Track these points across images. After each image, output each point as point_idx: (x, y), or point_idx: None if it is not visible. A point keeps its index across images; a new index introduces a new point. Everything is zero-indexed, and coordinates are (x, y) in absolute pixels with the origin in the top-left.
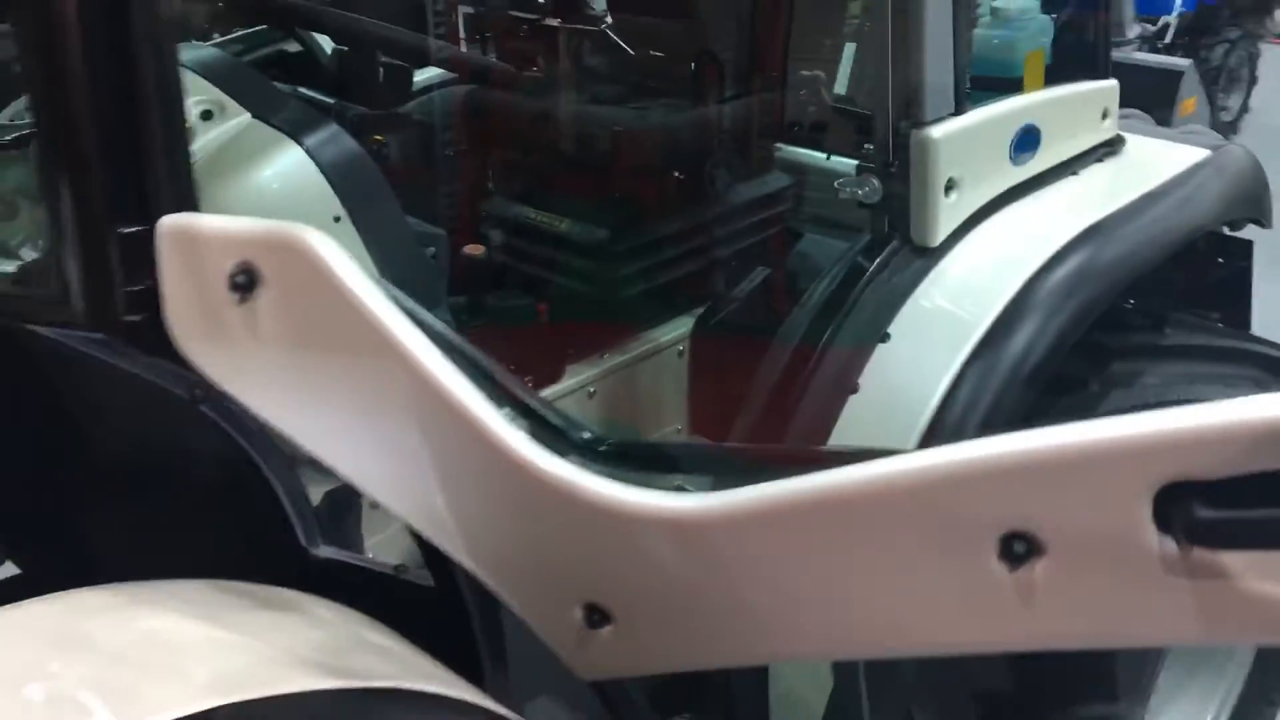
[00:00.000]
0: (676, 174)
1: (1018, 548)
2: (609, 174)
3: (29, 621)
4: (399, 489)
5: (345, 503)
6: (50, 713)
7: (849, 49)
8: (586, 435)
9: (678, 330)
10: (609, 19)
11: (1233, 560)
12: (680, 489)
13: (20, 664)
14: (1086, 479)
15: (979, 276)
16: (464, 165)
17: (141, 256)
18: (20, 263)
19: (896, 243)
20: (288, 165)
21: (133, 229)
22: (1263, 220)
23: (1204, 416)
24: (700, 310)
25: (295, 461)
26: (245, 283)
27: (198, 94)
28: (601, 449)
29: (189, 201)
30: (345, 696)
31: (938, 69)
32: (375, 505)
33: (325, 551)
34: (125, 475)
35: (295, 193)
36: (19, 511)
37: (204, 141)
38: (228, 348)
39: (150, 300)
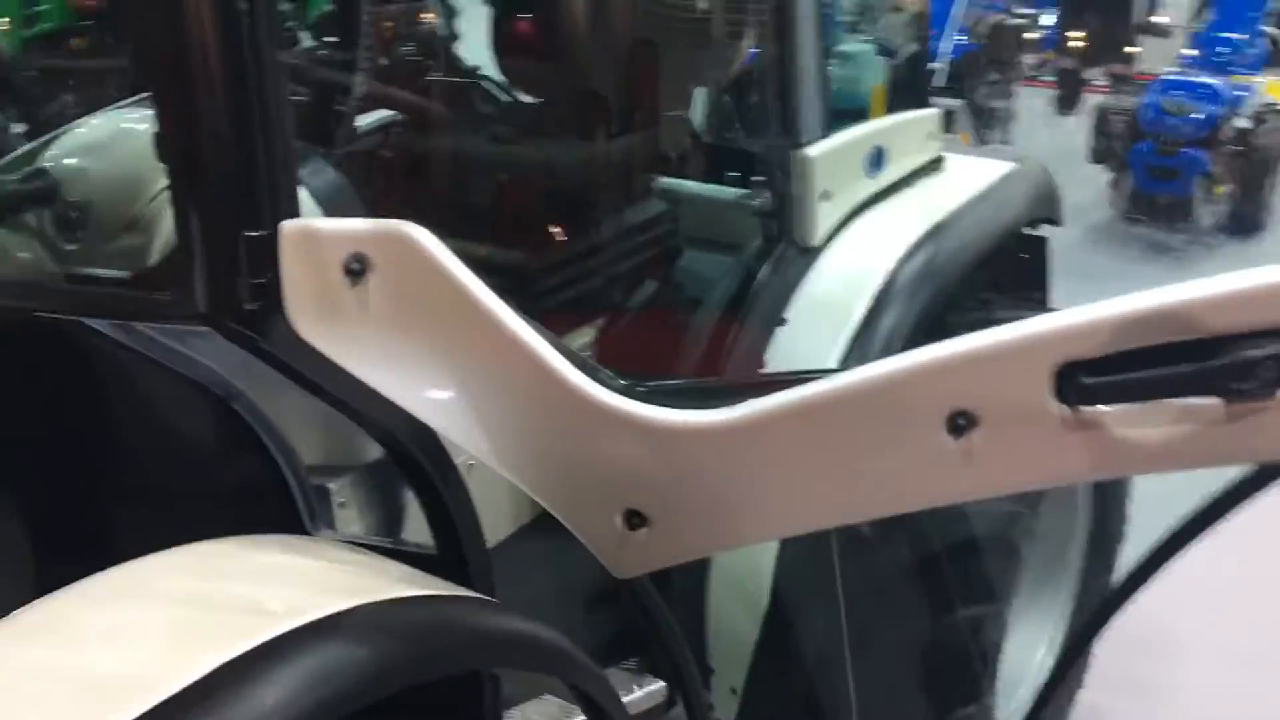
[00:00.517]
0: (567, 206)
1: (960, 422)
2: (514, 206)
3: (176, 560)
4: (478, 431)
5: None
6: (246, 620)
7: (699, 93)
8: (620, 379)
9: (585, 338)
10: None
11: (1106, 414)
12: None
13: (189, 589)
14: (1006, 367)
15: (853, 269)
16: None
17: (264, 255)
18: (129, 269)
19: (784, 244)
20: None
21: (257, 233)
22: (1055, 220)
23: (1081, 314)
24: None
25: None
26: (358, 269)
27: None
28: (632, 387)
29: (295, 210)
30: (422, 600)
31: (809, 102)
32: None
33: (325, 533)
34: (159, 458)
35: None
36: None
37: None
38: (342, 324)
39: (270, 292)
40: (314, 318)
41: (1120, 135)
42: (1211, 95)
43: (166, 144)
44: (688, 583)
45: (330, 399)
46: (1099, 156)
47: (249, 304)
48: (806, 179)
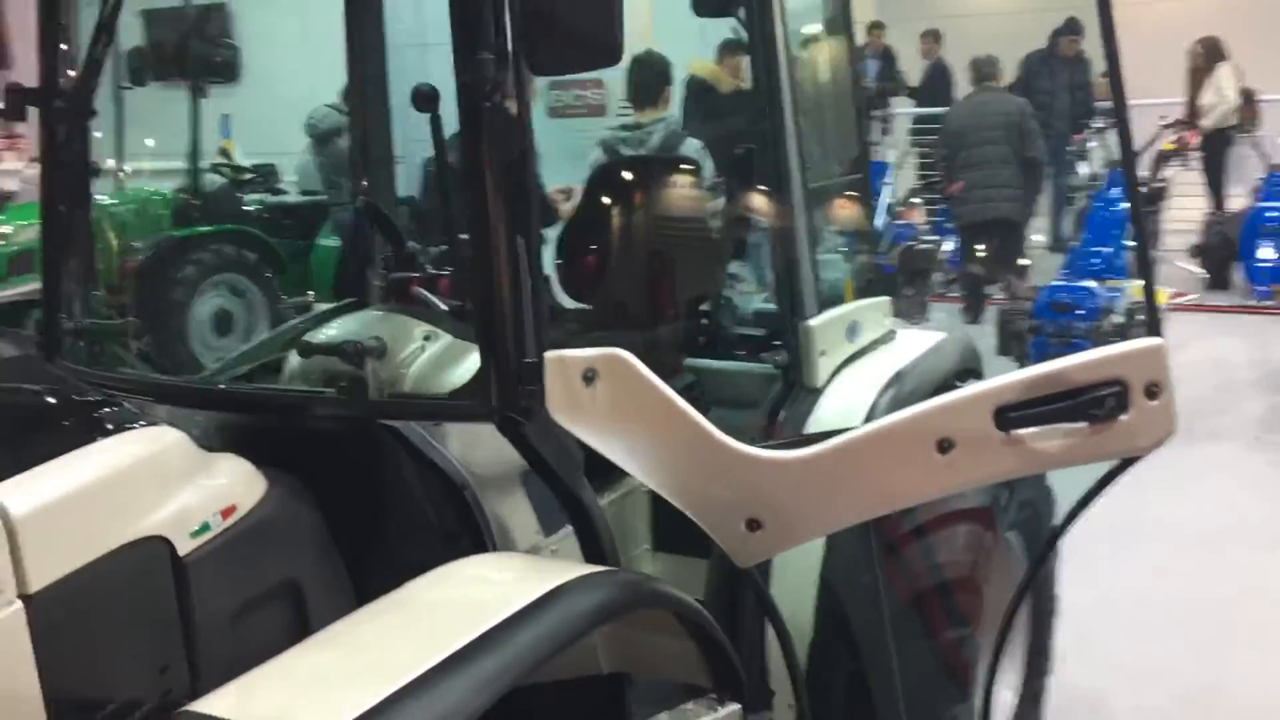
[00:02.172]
0: None
1: (945, 445)
2: None
3: (484, 564)
4: (658, 474)
5: None
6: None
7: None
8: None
9: None
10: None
11: (1024, 434)
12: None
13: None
14: (967, 410)
15: (846, 401)
16: None
17: (535, 373)
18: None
19: (797, 386)
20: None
21: (531, 360)
22: (979, 373)
23: (1007, 378)
24: None
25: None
26: (591, 377)
27: (421, 327)
28: (754, 443)
29: (545, 344)
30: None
31: (810, 291)
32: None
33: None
34: (421, 512)
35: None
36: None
37: (430, 351)
38: (581, 413)
39: (537, 395)
40: (563, 409)
41: (1020, 333)
42: (1089, 295)
43: (478, 309)
44: (752, 623)
45: (544, 470)
46: (1004, 349)
47: (524, 403)
48: (810, 342)
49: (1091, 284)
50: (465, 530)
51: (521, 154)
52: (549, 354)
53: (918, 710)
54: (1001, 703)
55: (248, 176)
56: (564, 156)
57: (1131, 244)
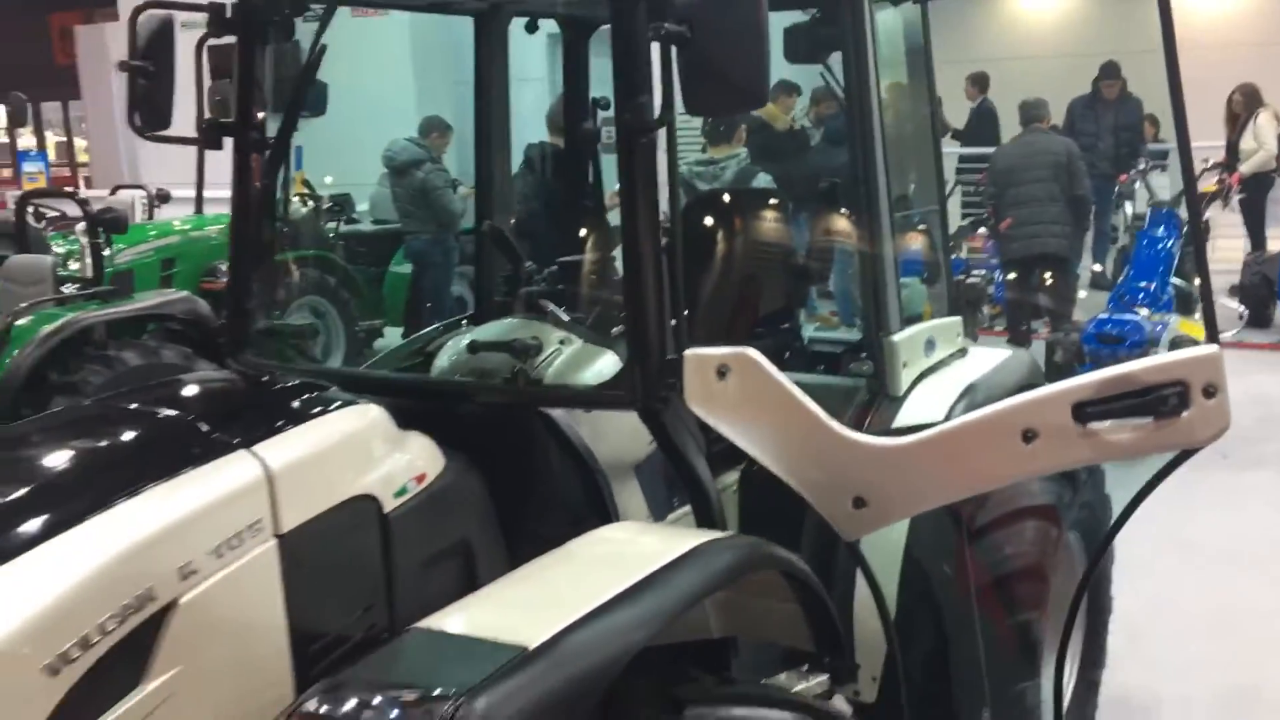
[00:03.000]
0: None
1: (1029, 434)
2: None
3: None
4: (778, 457)
5: None
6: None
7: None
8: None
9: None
10: None
11: (1098, 427)
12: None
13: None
14: (1050, 405)
15: (925, 409)
16: None
17: (675, 368)
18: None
19: (882, 395)
20: (610, 359)
21: (672, 357)
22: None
23: (1085, 378)
24: None
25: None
26: (724, 372)
27: (557, 333)
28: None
29: (683, 344)
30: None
31: (894, 311)
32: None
33: None
34: (561, 487)
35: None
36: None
37: (566, 353)
38: (714, 403)
39: (675, 386)
40: (700, 400)
41: (1067, 363)
42: (1136, 328)
43: (628, 312)
44: (842, 598)
45: (674, 454)
46: (1051, 378)
47: (664, 394)
48: (894, 355)
49: (1138, 317)
50: (594, 508)
51: (670, 183)
52: (688, 351)
53: (992, 684)
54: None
55: (327, 205)
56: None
57: (1176, 280)
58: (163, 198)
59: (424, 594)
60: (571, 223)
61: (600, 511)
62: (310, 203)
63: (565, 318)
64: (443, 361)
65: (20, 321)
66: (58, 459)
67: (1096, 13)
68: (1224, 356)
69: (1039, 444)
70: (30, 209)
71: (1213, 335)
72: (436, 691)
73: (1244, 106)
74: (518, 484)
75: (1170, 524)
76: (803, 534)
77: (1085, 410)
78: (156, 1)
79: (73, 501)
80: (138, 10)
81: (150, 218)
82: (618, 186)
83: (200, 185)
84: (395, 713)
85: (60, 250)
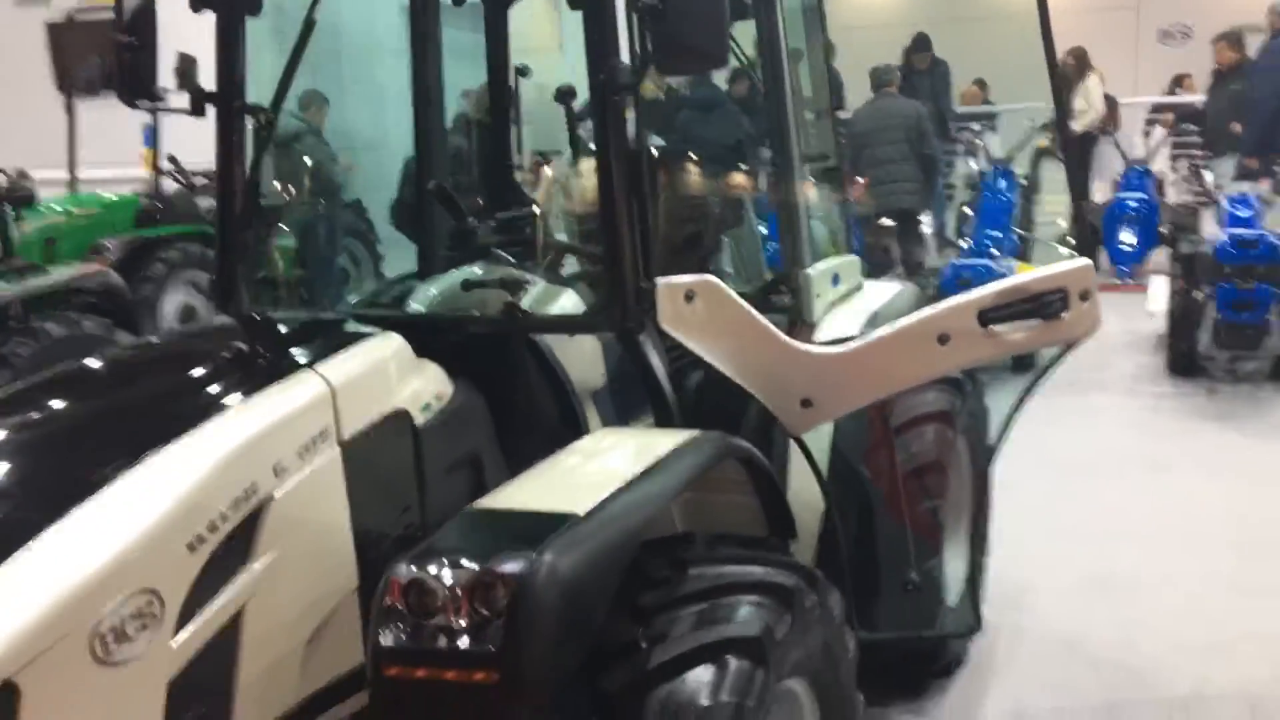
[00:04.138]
0: None
1: (943, 339)
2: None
3: (624, 433)
4: (739, 368)
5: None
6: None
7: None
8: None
9: None
10: None
11: (998, 328)
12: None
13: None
14: (960, 312)
15: (835, 331)
16: None
17: (649, 295)
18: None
19: (800, 320)
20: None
21: (648, 284)
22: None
23: (990, 287)
24: None
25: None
26: (690, 296)
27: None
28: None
29: (653, 273)
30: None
31: (806, 249)
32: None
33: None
34: (543, 402)
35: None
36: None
37: (533, 291)
38: (683, 322)
39: (650, 310)
40: (671, 321)
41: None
42: (988, 270)
43: (607, 249)
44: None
45: (646, 370)
46: None
47: (642, 318)
48: (808, 286)
49: (989, 262)
50: (569, 424)
51: (637, 136)
52: (660, 280)
53: (904, 558)
54: (952, 578)
55: (201, 182)
56: None
57: (1018, 231)
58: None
59: (446, 498)
60: (497, 183)
61: (574, 427)
62: (183, 179)
63: (512, 263)
64: (434, 300)
65: None
66: (161, 380)
67: None
68: (1093, 267)
69: (952, 345)
70: None
71: (1084, 250)
72: (516, 548)
73: (1075, 69)
74: (511, 403)
75: (1030, 442)
76: (740, 435)
77: (988, 315)
78: None
79: (187, 411)
80: None
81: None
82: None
83: (73, 165)
84: (486, 563)
85: None
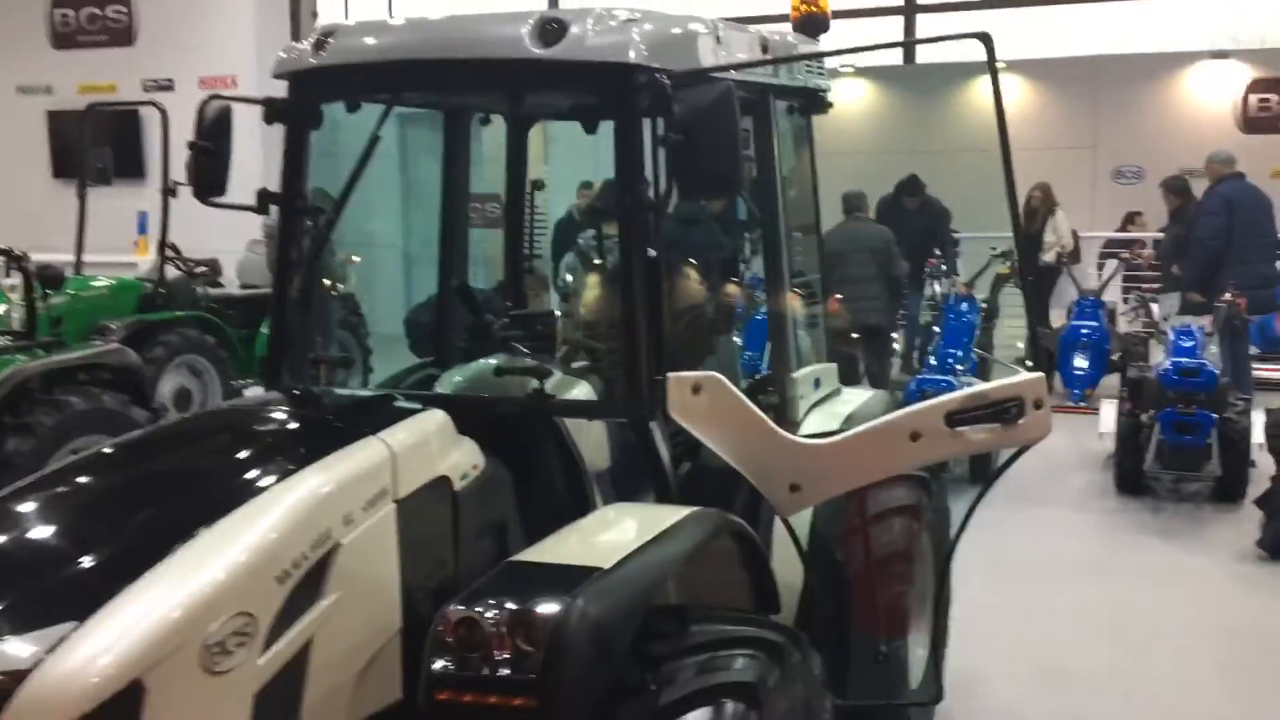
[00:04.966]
0: None
1: (915, 436)
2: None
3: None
4: (736, 454)
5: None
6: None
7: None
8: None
9: None
10: None
11: (965, 430)
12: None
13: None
14: (930, 414)
15: (816, 428)
16: None
17: (660, 388)
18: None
19: (784, 418)
20: (584, 386)
21: (659, 377)
22: None
23: (954, 395)
24: None
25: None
26: (697, 389)
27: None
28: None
29: (664, 368)
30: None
31: (792, 355)
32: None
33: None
34: (566, 476)
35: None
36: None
37: (551, 380)
38: (691, 412)
39: (661, 401)
40: (679, 411)
41: None
42: (950, 386)
43: (624, 345)
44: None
45: (652, 453)
46: None
47: (653, 406)
48: (793, 388)
49: (950, 378)
50: (579, 500)
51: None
52: (670, 375)
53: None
54: (916, 657)
55: (200, 270)
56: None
57: (977, 350)
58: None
59: (476, 558)
60: (512, 283)
61: (583, 501)
62: (184, 266)
63: (528, 356)
64: (462, 383)
65: None
66: (250, 439)
67: (905, 116)
68: (1045, 380)
69: (923, 442)
70: None
71: (1037, 365)
72: (552, 593)
73: (1041, 202)
74: (533, 476)
75: (984, 547)
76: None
77: (954, 417)
78: (220, 95)
79: (275, 466)
80: (206, 101)
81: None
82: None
83: (79, 249)
84: (527, 605)
85: None
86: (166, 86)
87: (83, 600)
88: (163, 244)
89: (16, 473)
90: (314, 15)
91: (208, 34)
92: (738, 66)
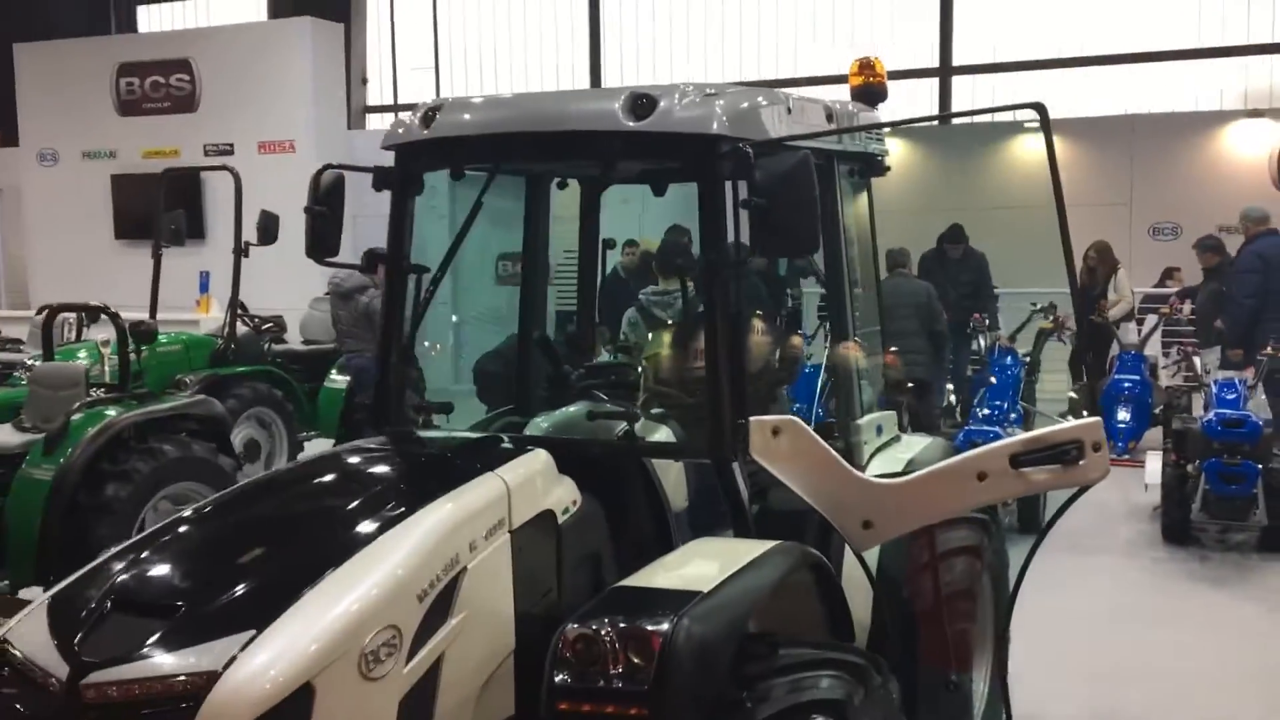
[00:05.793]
0: None
1: (981, 476)
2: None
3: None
4: (813, 491)
5: None
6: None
7: None
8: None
9: None
10: None
11: (1028, 470)
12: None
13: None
14: (996, 456)
15: (880, 471)
16: None
17: (744, 429)
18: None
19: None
20: (664, 429)
21: (741, 421)
22: None
23: (1016, 439)
24: None
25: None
26: (777, 432)
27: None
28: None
29: (745, 412)
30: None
31: (857, 404)
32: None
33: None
34: (647, 520)
35: (667, 435)
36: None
37: (637, 426)
38: (769, 453)
39: (744, 441)
40: (760, 452)
41: None
42: (997, 438)
43: (710, 392)
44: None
45: (733, 492)
46: None
47: (737, 447)
48: (858, 434)
49: (997, 429)
50: (662, 537)
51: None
52: (753, 419)
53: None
54: (979, 690)
55: (266, 326)
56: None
57: (1024, 403)
58: (93, 318)
59: (575, 587)
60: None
61: (666, 537)
62: (252, 322)
63: (607, 402)
64: (551, 428)
65: (75, 418)
66: (387, 474)
67: (941, 176)
68: (1102, 423)
69: (988, 482)
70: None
71: (1093, 410)
72: (660, 613)
73: (1099, 260)
74: (624, 512)
75: (1037, 595)
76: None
77: (1018, 459)
78: (331, 164)
79: (411, 498)
80: (321, 169)
81: (79, 337)
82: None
83: (154, 307)
84: (637, 624)
85: (82, 357)
86: (227, 151)
87: (258, 612)
88: (234, 301)
89: (115, 517)
90: (364, 82)
91: (267, 101)
92: (809, 136)
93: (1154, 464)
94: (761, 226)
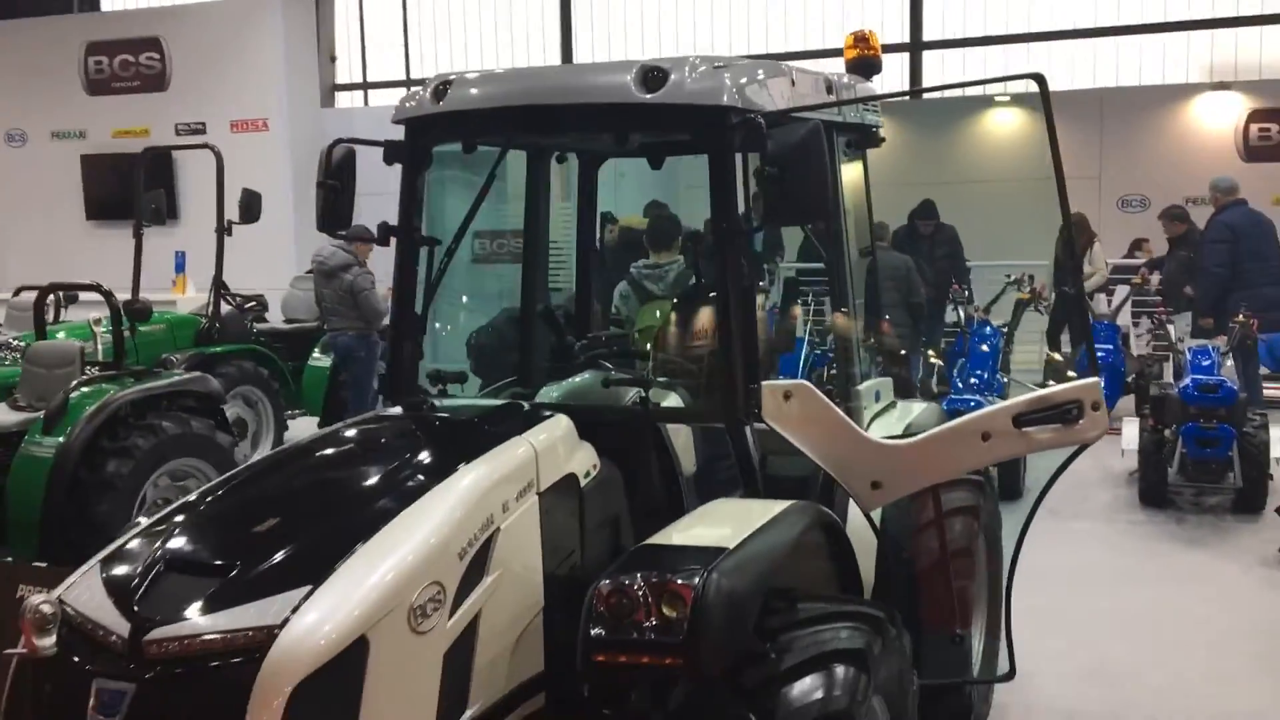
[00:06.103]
0: None
1: (985, 436)
2: None
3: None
4: (823, 453)
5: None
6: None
7: None
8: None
9: None
10: None
11: (1030, 430)
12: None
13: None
14: (999, 416)
15: (880, 434)
16: None
17: (757, 394)
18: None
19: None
20: (674, 396)
21: (754, 385)
22: None
23: (1023, 397)
24: None
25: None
26: (788, 395)
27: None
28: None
29: (759, 377)
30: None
31: (856, 374)
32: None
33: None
34: (660, 483)
35: (677, 400)
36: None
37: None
38: (781, 417)
39: (756, 406)
40: (773, 416)
41: None
42: (978, 407)
43: (723, 358)
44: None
45: (745, 454)
46: None
47: (749, 411)
48: (859, 399)
49: (979, 398)
50: (675, 500)
51: (751, 271)
52: (765, 383)
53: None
54: (976, 645)
55: (249, 305)
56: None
57: (1002, 374)
58: (71, 298)
59: (596, 548)
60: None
61: (678, 500)
62: (235, 301)
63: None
64: (562, 396)
65: (74, 396)
66: (419, 441)
67: (913, 150)
68: (1101, 384)
69: (993, 441)
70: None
71: (1093, 370)
72: (691, 568)
73: (1076, 233)
74: (639, 476)
75: (1022, 558)
76: None
77: (1020, 419)
78: (344, 138)
79: (448, 462)
80: (332, 144)
81: (56, 318)
82: None
83: (136, 287)
84: (668, 578)
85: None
86: (199, 130)
87: (311, 571)
88: (217, 280)
89: (116, 493)
90: (333, 59)
91: (238, 79)
92: (816, 107)
93: (1130, 430)
94: (773, 195)
